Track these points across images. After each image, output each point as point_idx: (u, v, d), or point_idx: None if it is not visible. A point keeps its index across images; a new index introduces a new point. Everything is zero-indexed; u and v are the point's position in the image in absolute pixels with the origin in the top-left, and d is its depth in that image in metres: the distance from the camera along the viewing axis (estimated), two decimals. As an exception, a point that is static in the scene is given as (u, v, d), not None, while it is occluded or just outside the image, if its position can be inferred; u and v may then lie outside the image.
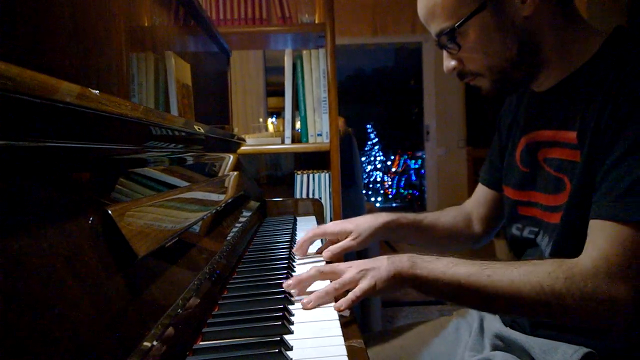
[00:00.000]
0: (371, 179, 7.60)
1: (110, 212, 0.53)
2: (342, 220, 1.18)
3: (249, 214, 1.49)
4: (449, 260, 0.84)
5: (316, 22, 2.11)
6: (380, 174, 7.68)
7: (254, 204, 1.67)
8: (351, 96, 8.41)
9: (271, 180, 2.44)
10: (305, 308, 0.80)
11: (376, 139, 7.84)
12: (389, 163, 7.63)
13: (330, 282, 0.85)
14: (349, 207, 2.41)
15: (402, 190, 7.45)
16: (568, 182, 0.88)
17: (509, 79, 0.93)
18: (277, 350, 0.60)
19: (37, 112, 0.45)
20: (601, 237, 0.76)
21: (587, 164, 0.82)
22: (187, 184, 1.11)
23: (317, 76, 2.01)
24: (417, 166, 7.47)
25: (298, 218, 1.77)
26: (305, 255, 1.17)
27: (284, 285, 0.85)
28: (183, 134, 1.02)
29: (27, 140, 0.45)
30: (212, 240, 1.01)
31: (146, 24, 1.14)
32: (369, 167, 7.62)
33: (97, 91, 0.55)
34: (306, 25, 2.05)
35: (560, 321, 0.84)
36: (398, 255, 0.85)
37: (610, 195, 0.77)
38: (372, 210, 4.28)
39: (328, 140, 2.00)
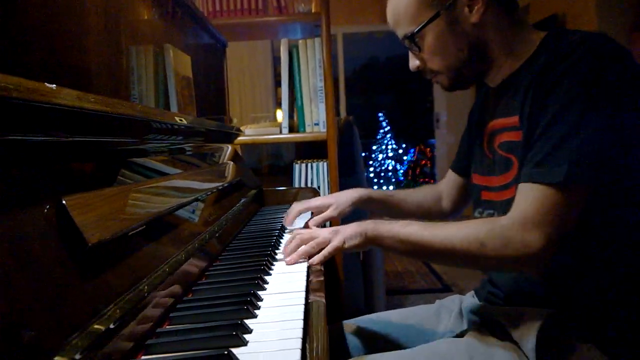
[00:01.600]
0: (383, 168, 7.57)
1: (64, 202, 0.55)
2: (325, 196, 1.39)
3: (243, 202, 1.52)
4: (405, 222, 1.00)
5: (312, 11, 2.11)
6: (393, 162, 7.65)
7: (249, 192, 1.69)
8: (363, 85, 8.39)
9: (272, 170, 2.46)
10: (288, 263, 1.00)
11: (388, 127, 7.80)
12: (400, 151, 7.59)
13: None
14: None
15: (416, 178, 7.41)
16: (515, 161, 0.97)
17: (463, 76, 1.06)
18: (234, 333, 0.62)
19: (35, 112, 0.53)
20: (522, 197, 0.89)
21: (526, 141, 0.92)
22: (179, 172, 1.16)
23: (313, 66, 2.01)
24: (432, 154, 7.41)
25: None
26: (291, 224, 1.36)
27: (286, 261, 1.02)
28: (174, 127, 1.05)
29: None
30: (196, 227, 1.03)
31: (145, 20, 1.17)
32: (381, 156, 7.60)
33: (53, 87, 0.57)
34: (301, 15, 2.05)
35: (485, 266, 1.02)
36: (365, 221, 1.02)
37: (531, 163, 0.88)
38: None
39: (325, 130, 2.01)
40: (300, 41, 2.02)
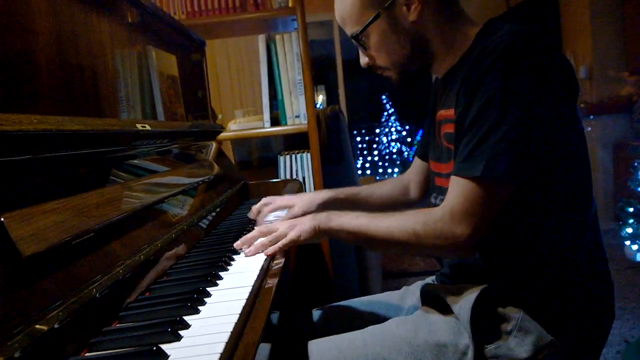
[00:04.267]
0: (388, 150, 7.60)
1: (2, 219, 0.61)
2: (290, 195, 1.43)
3: (221, 198, 1.58)
4: (355, 215, 1.07)
5: (290, 5, 2.15)
6: (398, 145, 7.67)
7: (231, 187, 1.75)
8: (363, 69, 8.36)
9: (261, 162, 2.52)
10: (247, 255, 1.06)
11: (392, 110, 7.80)
12: (404, 133, 7.60)
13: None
14: (341, 183, 2.47)
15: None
16: (454, 150, 1.01)
17: (409, 71, 1.12)
18: (169, 330, 0.68)
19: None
20: (451, 190, 0.96)
21: (457, 134, 0.97)
22: (163, 170, 1.24)
23: (291, 59, 2.06)
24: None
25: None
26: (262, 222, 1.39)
27: (234, 245, 1.11)
28: (139, 133, 1.12)
29: None
30: (164, 227, 1.09)
31: (126, 26, 1.23)
32: (385, 139, 7.62)
33: None
34: (277, 11, 2.09)
35: (421, 253, 1.18)
36: (320, 213, 1.11)
37: (460, 157, 0.94)
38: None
39: (306, 122, 2.06)
40: (277, 36, 2.06)
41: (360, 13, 1.06)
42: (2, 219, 0.62)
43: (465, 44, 1.04)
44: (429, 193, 1.39)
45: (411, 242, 0.97)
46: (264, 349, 1.08)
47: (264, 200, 1.42)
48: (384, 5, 1.04)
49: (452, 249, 0.94)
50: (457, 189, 0.93)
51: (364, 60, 1.14)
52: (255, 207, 1.43)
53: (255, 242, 1.08)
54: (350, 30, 1.10)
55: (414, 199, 1.42)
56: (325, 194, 1.39)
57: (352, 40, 1.11)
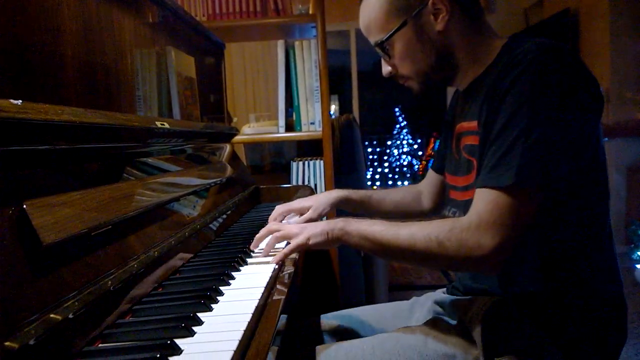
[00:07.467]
0: (398, 163, 7.59)
1: (25, 206, 0.62)
2: (304, 198, 1.40)
3: (234, 200, 1.58)
4: (372, 221, 1.02)
5: (310, 12, 2.16)
6: (409, 158, 7.66)
7: (242, 191, 1.75)
8: (378, 80, 8.38)
9: (274, 167, 2.53)
10: (251, 248, 1.10)
11: (404, 122, 7.81)
12: (415, 146, 7.60)
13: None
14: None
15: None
16: (476, 163, 1.01)
17: (431, 81, 1.11)
18: (182, 325, 0.68)
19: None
20: (478, 200, 0.92)
21: (482, 145, 0.95)
22: (178, 169, 1.25)
23: (309, 66, 2.07)
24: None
25: (288, 204, 1.85)
26: None
27: (251, 246, 1.12)
28: (154, 131, 1.12)
29: None
30: (177, 225, 1.10)
31: (147, 26, 1.24)
32: (396, 151, 7.61)
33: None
34: (297, 17, 2.11)
35: (444, 266, 1.06)
36: (335, 219, 1.05)
37: (486, 169, 0.92)
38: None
39: (320, 129, 2.06)
40: (296, 42, 2.07)
41: (386, 21, 1.06)
42: (25, 206, 0.62)
43: (490, 56, 1.04)
44: (442, 205, 1.39)
45: (432, 251, 0.91)
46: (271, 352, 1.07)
47: (279, 205, 1.41)
48: (411, 13, 1.04)
49: (477, 261, 0.88)
50: (485, 200, 0.89)
51: (386, 69, 1.13)
52: (272, 216, 1.40)
53: (264, 239, 1.09)
54: (374, 37, 1.10)
55: (426, 209, 1.42)
56: (338, 194, 1.37)
57: (376, 48, 1.11)
